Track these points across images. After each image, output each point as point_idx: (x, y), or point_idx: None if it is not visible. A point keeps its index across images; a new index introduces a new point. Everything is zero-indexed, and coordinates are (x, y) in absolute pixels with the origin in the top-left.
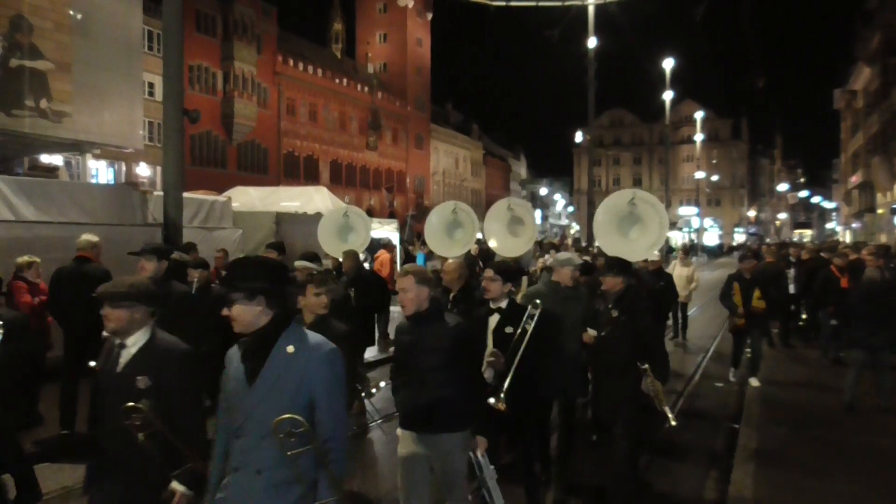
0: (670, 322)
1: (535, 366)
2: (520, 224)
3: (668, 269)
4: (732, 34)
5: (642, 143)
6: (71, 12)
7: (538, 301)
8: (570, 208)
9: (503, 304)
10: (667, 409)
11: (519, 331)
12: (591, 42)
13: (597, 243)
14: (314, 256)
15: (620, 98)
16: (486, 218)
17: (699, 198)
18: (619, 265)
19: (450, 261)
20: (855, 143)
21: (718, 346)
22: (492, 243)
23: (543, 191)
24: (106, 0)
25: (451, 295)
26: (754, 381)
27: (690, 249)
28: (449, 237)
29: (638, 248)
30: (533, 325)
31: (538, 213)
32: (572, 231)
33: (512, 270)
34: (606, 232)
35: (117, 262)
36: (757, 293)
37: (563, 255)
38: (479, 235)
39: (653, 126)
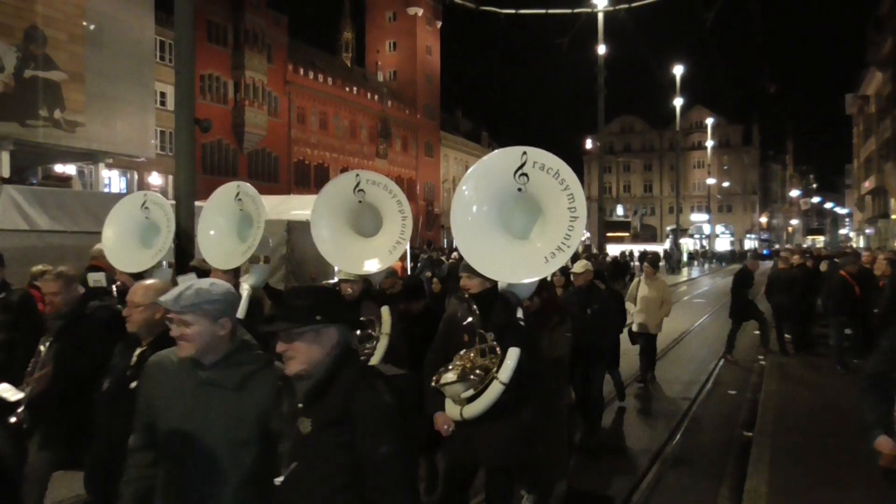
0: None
1: None
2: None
3: (632, 288)
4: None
5: (653, 150)
6: (84, 23)
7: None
8: None
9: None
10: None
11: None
12: (601, 49)
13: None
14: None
15: (630, 104)
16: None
17: (710, 204)
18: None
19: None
20: (867, 148)
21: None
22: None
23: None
24: (119, 11)
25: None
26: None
27: (670, 259)
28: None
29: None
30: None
31: None
32: (583, 238)
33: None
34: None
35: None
36: None
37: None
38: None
39: (663, 132)
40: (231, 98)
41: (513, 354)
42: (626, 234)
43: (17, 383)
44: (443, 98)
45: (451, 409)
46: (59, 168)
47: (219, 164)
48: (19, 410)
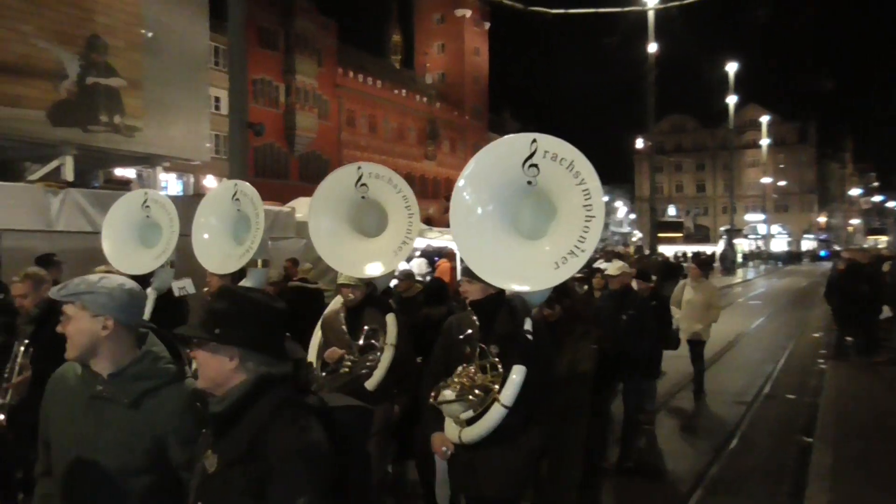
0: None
1: None
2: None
3: (676, 291)
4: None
5: (705, 149)
6: (142, 31)
7: None
8: (632, 216)
9: None
10: None
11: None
12: (651, 47)
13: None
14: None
15: (681, 103)
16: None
17: (766, 204)
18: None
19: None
20: None
21: (789, 356)
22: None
23: (604, 198)
24: (175, 18)
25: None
26: None
27: (725, 260)
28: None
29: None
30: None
31: None
32: (634, 238)
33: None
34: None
35: (188, 271)
36: None
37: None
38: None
39: (715, 131)
40: (282, 102)
41: (517, 372)
42: (679, 234)
43: None
44: (490, 99)
45: (451, 430)
46: (119, 172)
47: (271, 166)
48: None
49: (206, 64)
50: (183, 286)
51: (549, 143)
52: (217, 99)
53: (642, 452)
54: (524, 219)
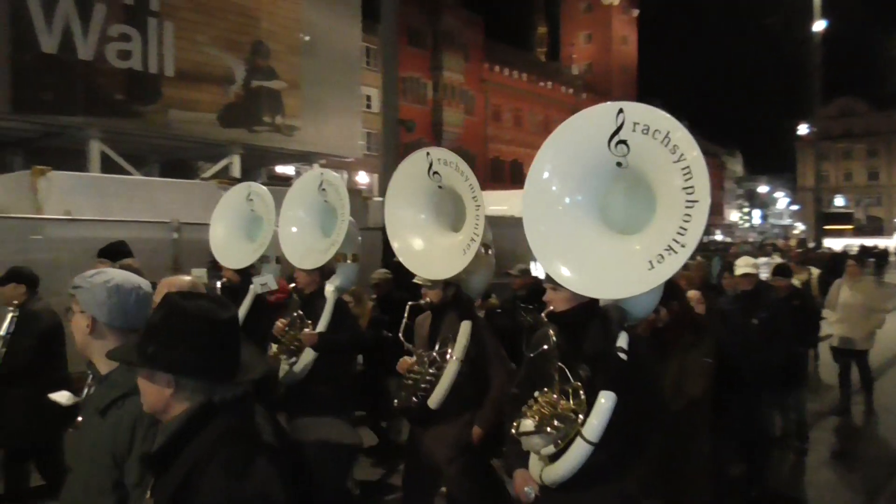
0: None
1: None
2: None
3: (831, 292)
4: None
5: (878, 134)
6: (301, 35)
7: None
8: (794, 207)
9: None
10: None
11: None
12: (818, 25)
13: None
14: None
15: (850, 85)
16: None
17: None
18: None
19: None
20: None
21: None
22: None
23: (763, 189)
24: (330, 22)
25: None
26: None
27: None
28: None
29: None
30: None
31: (758, 213)
32: (795, 231)
33: None
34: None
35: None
36: None
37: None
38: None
39: (891, 114)
40: (429, 98)
41: (604, 400)
42: (848, 226)
43: None
44: (639, 87)
45: (535, 467)
46: (280, 169)
47: None
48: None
49: (359, 64)
50: (264, 282)
51: (639, 113)
52: (368, 97)
53: (782, 481)
54: (615, 209)
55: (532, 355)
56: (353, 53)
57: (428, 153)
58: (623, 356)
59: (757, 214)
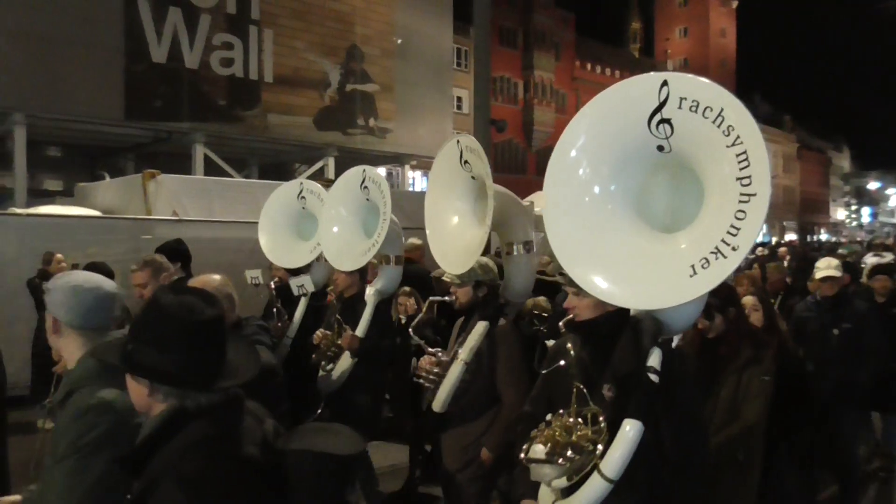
0: None
1: None
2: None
3: None
4: None
5: None
6: (394, 38)
7: None
8: None
9: None
10: None
11: None
12: None
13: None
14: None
15: None
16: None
17: None
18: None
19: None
20: None
21: None
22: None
23: (873, 185)
24: (422, 25)
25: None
26: None
27: None
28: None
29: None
30: None
31: (867, 211)
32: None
33: None
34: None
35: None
36: None
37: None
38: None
39: None
40: (520, 98)
41: (629, 429)
42: None
43: None
44: (739, 81)
45: (545, 499)
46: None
47: (509, 162)
48: None
49: (450, 66)
50: (301, 283)
51: (686, 86)
52: (459, 98)
53: None
54: (654, 202)
55: (545, 372)
56: (444, 55)
57: (458, 140)
58: (654, 378)
59: (866, 212)
